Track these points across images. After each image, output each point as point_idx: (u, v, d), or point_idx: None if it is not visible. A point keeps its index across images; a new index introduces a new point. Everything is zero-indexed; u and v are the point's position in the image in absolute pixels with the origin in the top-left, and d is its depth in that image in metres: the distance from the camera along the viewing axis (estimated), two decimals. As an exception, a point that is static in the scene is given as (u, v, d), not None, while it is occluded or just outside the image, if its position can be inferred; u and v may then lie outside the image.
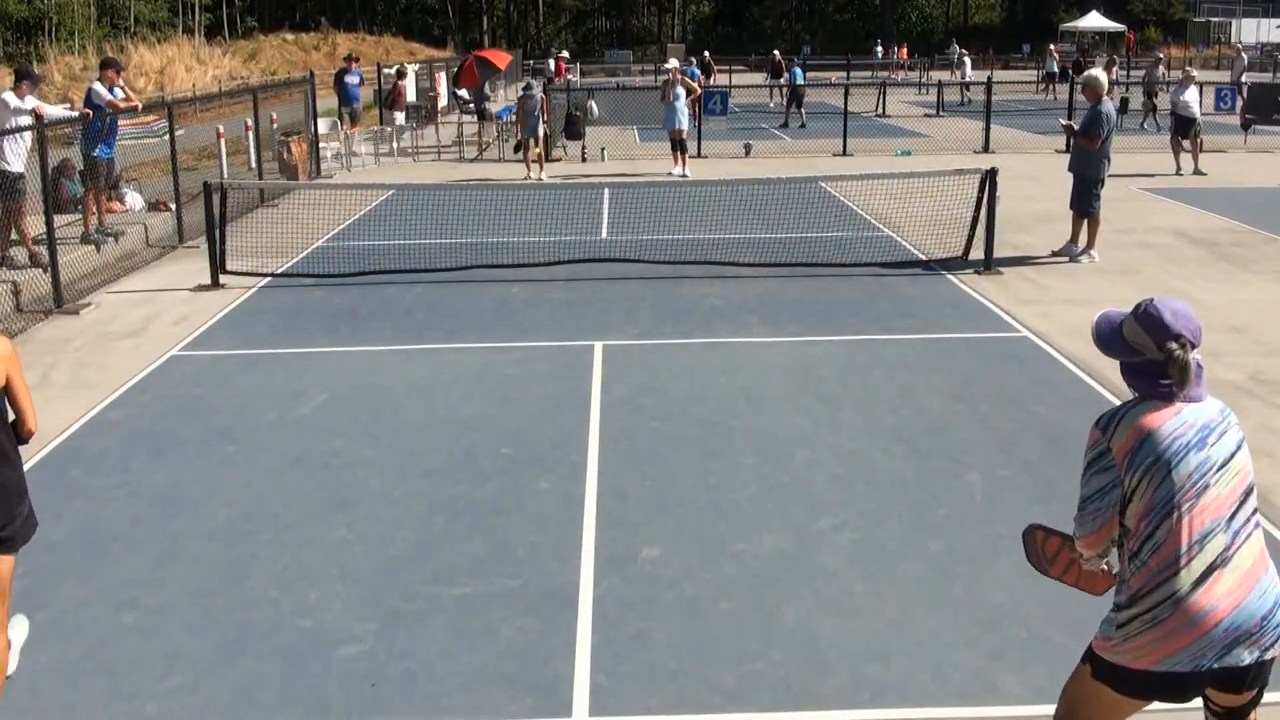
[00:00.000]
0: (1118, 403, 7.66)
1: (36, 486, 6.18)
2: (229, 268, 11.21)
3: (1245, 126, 22.84)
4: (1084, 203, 11.58)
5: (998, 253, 11.31)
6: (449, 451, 6.59)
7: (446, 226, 13.03)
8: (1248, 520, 2.91)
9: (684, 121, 18.47)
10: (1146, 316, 2.96)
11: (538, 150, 18.22)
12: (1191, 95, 18.23)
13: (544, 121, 18.54)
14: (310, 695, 4.20)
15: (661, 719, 4.06)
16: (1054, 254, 11.91)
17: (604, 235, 13.39)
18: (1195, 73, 19.04)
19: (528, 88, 18.46)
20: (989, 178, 11.21)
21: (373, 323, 9.44)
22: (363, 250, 12.36)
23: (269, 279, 11.17)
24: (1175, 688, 2.93)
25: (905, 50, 47.52)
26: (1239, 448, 2.95)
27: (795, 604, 4.81)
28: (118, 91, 12.55)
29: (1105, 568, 3.18)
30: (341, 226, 13.79)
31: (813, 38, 66.51)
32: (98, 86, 12.46)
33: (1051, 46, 44.89)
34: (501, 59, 23.84)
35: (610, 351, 8.55)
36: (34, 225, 11.14)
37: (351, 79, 22.08)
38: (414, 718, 4.07)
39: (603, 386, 7.72)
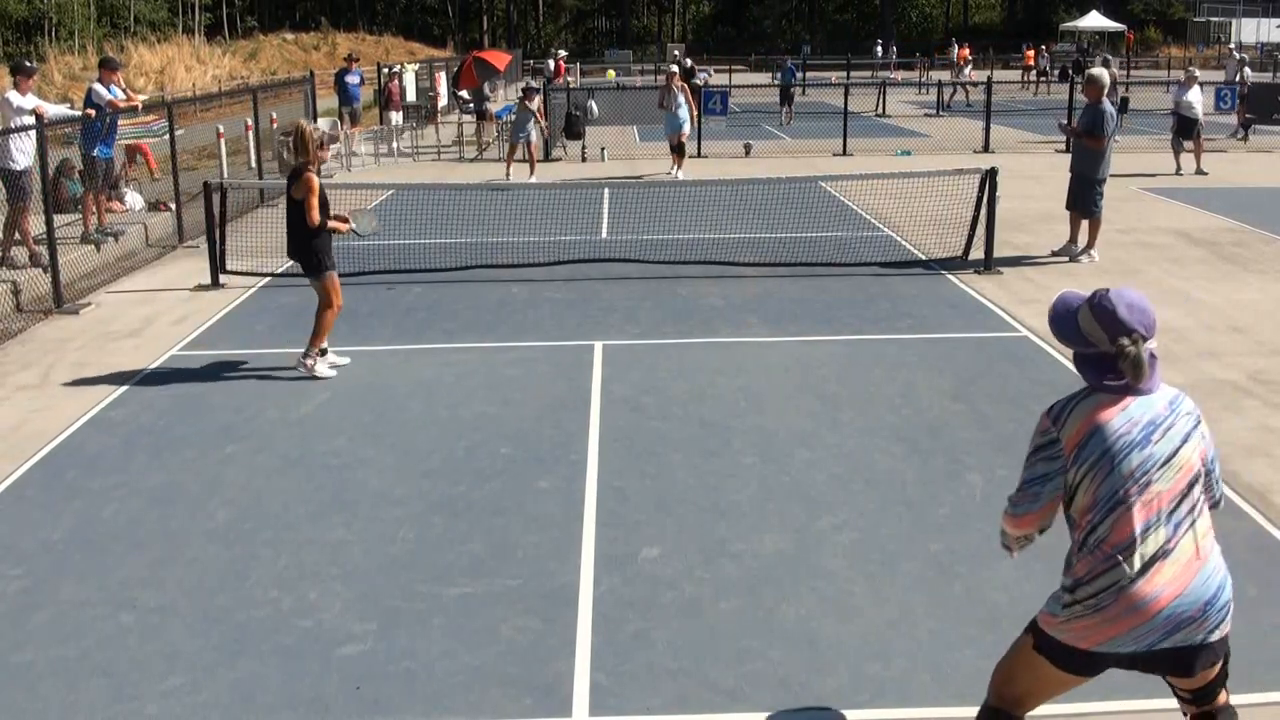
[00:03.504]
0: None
1: (36, 486, 6.20)
2: (229, 267, 11.22)
3: (1245, 126, 22.85)
4: (1086, 202, 11.58)
5: (998, 252, 11.31)
6: (449, 451, 6.59)
7: (446, 226, 13.03)
8: (1190, 510, 2.98)
9: (685, 127, 18.14)
10: (1101, 309, 2.99)
11: (527, 155, 18.13)
12: (1195, 96, 18.23)
13: (541, 125, 18.43)
14: (310, 695, 4.20)
15: (661, 719, 4.06)
16: (1054, 254, 11.92)
17: (604, 235, 13.39)
18: (1198, 73, 19.02)
19: (528, 91, 18.40)
20: (989, 178, 11.21)
21: (373, 323, 9.44)
22: (363, 250, 12.36)
23: (269, 279, 11.17)
24: (1118, 663, 3.03)
25: (968, 50, 44.44)
26: (1185, 441, 2.97)
27: (795, 604, 4.81)
28: (117, 91, 12.55)
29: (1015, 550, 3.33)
30: (341, 226, 13.78)
31: (813, 38, 66.47)
32: (98, 87, 12.47)
33: (1030, 51, 44.60)
34: (500, 60, 23.82)
35: (610, 351, 8.55)
36: (34, 225, 11.15)
37: (351, 79, 22.09)
38: (414, 718, 4.07)
39: (603, 386, 7.73)
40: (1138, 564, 2.92)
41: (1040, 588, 4.90)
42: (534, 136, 18.31)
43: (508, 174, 18.09)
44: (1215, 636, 3.00)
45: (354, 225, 8.21)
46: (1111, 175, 11.97)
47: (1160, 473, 2.93)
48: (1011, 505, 3.13)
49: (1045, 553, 5.28)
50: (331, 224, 7.88)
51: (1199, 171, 18.11)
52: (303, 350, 8.01)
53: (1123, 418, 2.95)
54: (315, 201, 7.69)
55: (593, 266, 11.30)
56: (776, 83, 30.24)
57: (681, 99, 18.01)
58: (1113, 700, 4.12)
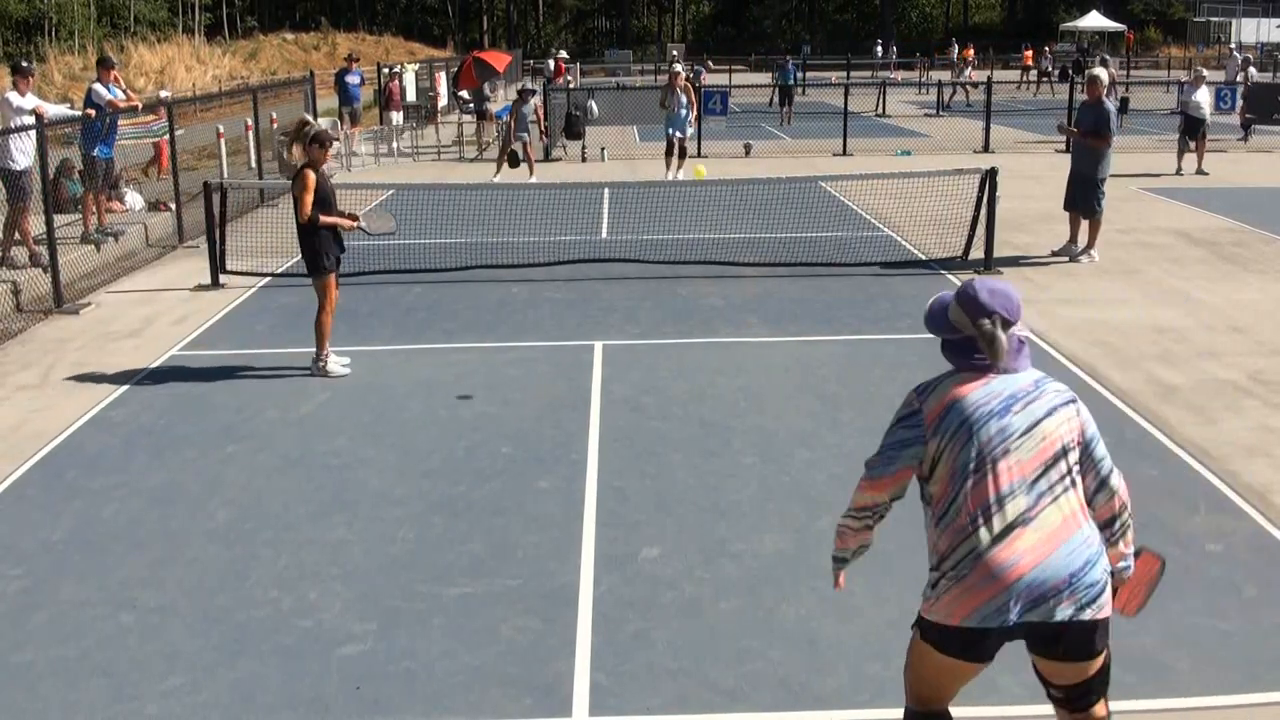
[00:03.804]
0: (1118, 404, 7.67)
1: (36, 486, 6.20)
2: (229, 267, 11.22)
3: (1245, 126, 22.85)
4: (1089, 202, 11.57)
5: (998, 252, 11.31)
6: (449, 451, 6.59)
7: (446, 226, 13.03)
8: (1056, 483, 3.01)
9: (687, 128, 17.90)
10: (965, 296, 3.12)
11: (525, 156, 18.09)
12: (1203, 96, 18.20)
13: (539, 124, 18.38)
14: (310, 695, 4.20)
15: (661, 719, 4.06)
16: (1054, 254, 11.91)
17: (604, 235, 13.39)
18: (1206, 73, 19.00)
19: (523, 93, 18.35)
20: (989, 178, 11.21)
21: (373, 323, 9.44)
22: (363, 250, 12.35)
23: (269, 279, 11.17)
24: (988, 641, 3.02)
25: (970, 49, 44.53)
26: (1048, 415, 3.03)
27: (795, 604, 4.81)
28: (116, 91, 12.55)
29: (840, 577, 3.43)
30: (341, 226, 13.79)
31: (813, 38, 66.47)
32: (98, 87, 12.46)
33: (1029, 51, 44.72)
34: (500, 60, 23.81)
35: (610, 351, 8.55)
36: (34, 225, 11.14)
37: (352, 79, 22.10)
38: (414, 718, 4.07)
39: (603, 386, 7.73)
40: (996, 528, 2.96)
41: (1040, 588, 4.91)
42: (529, 136, 18.26)
43: (497, 173, 18.05)
44: (1087, 615, 2.98)
45: (363, 224, 8.19)
46: (1111, 175, 11.97)
47: (1019, 442, 2.99)
48: (867, 469, 3.18)
49: (1045, 553, 5.28)
50: (333, 221, 7.85)
51: (1199, 171, 18.12)
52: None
53: (983, 390, 3.04)
54: (308, 199, 7.69)
55: (593, 266, 11.30)
56: (775, 82, 30.22)
57: (684, 99, 17.80)
58: (1112, 700, 4.12)
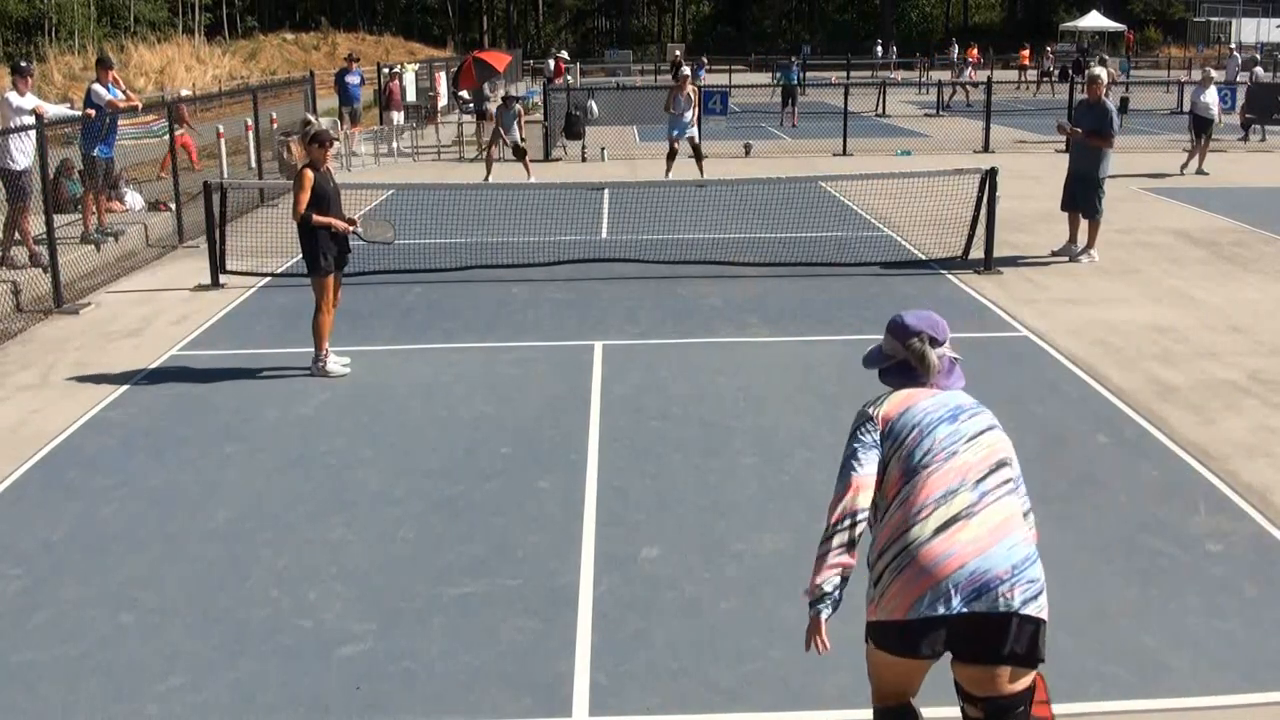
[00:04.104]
0: (1118, 404, 7.67)
1: (36, 486, 6.20)
2: (229, 268, 11.22)
3: (1245, 126, 22.84)
4: (1089, 202, 11.56)
5: (998, 252, 11.31)
6: (449, 451, 6.59)
7: (446, 226, 13.03)
8: (999, 486, 3.11)
9: (691, 132, 17.54)
10: (893, 325, 3.41)
11: (518, 156, 18.07)
12: (1211, 96, 18.18)
13: (519, 129, 18.32)
14: (310, 695, 4.20)
15: (661, 719, 4.06)
16: (1054, 254, 11.91)
17: (604, 235, 13.39)
18: (1215, 74, 18.99)
19: (507, 100, 18.30)
20: (989, 177, 11.21)
21: (373, 323, 9.44)
22: (363, 250, 12.35)
23: (269, 279, 11.17)
24: (933, 635, 3.00)
25: (974, 50, 44.40)
26: (990, 428, 3.21)
27: (795, 604, 4.79)
28: (116, 91, 12.54)
29: (820, 632, 3.16)
30: (341, 226, 13.79)
31: (813, 38, 66.46)
32: (97, 87, 12.46)
33: (1025, 51, 44.79)
34: (500, 60, 23.81)
35: (610, 351, 8.55)
36: (34, 225, 11.15)
37: (352, 79, 22.09)
38: (414, 718, 4.07)
39: (603, 386, 7.73)
40: (939, 520, 3.03)
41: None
42: (518, 137, 18.19)
43: (488, 175, 18.03)
44: (1030, 610, 2.98)
45: (359, 229, 8.18)
46: (1116, 175, 11.96)
47: (967, 446, 3.14)
48: (838, 483, 3.19)
49: (1044, 555, 5.28)
50: (326, 221, 7.83)
51: (1199, 171, 18.11)
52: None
53: (933, 400, 3.25)
54: (303, 198, 7.72)
55: (593, 266, 11.30)
56: (777, 83, 30.21)
57: (686, 103, 17.43)
58: (1112, 700, 4.13)
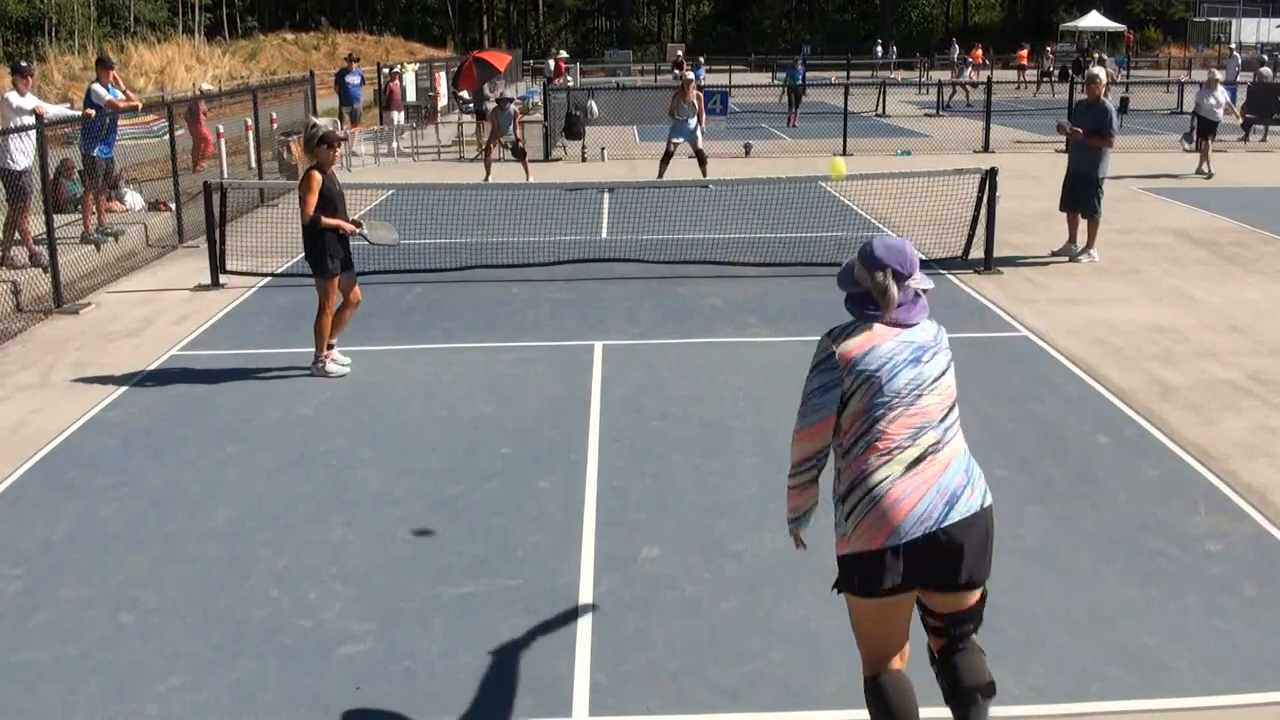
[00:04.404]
0: (1118, 404, 7.66)
1: (36, 486, 6.20)
2: (229, 268, 11.22)
3: (1245, 126, 22.85)
4: (1088, 202, 11.56)
5: (998, 252, 11.31)
6: (449, 451, 6.59)
7: (446, 226, 13.03)
8: (951, 426, 3.38)
9: (698, 137, 17.13)
10: (863, 253, 3.44)
11: (517, 156, 18.05)
12: (1217, 99, 18.14)
13: (516, 129, 18.29)
14: (310, 695, 4.20)
15: (661, 719, 4.06)
16: (1054, 254, 11.92)
17: (604, 235, 13.39)
18: (1220, 75, 18.97)
19: (502, 101, 18.26)
20: (989, 177, 11.21)
21: (373, 323, 9.43)
22: (363, 250, 12.34)
23: (269, 279, 11.17)
24: (912, 558, 3.25)
25: (979, 51, 44.23)
26: (947, 369, 3.41)
27: (795, 604, 4.81)
28: (116, 91, 12.55)
29: (799, 536, 3.68)
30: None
31: (813, 38, 66.46)
32: (97, 87, 12.46)
33: (1023, 51, 44.85)
34: (500, 60, 23.83)
35: (610, 351, 8.55)
36: (34, 225, 11.15)
37: (352, 79, 22.10)
38: (414, 718, 4.07)
39: (603, 386, 7.73)
40: (910, 458, 3.28)
41: (1039, 588, 4.92)
42: (514, 138, 18.15)
43: (487, 175, 18.02)
44: (988, 501, 3.37)
45: (364, 230, 8.17)
46: (1111, 176, 11.96)
47: (933, 387, 3.34)
48: (799, 420, 3.41)
49: (1044, 555, 5.29)
50: (334, 223, 7.83)
51: (1198, 172, 18.10)
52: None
53: (896, 340, 3.35)
54: (310, 199, 7.70)
55: (593, 266, 11.30)
56: (780, 83, 30.16)
57: (694, 108, 17.09)
58: (1112, 700, 4.13)
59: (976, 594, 3.44)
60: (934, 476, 3.27)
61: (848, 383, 3.30)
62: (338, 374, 7.95)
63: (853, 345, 3.34)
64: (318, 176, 7.73)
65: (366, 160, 20.88)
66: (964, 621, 3.45)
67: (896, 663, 3.47)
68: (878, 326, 3.37)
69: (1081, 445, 6.59)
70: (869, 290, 3.40)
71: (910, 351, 3.33)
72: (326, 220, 7.77)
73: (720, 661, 4.38)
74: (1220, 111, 18.23)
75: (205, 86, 22.87)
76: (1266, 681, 4.22)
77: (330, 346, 8.11)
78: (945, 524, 3.25)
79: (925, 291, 3.46)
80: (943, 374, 3.37)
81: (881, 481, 3.25)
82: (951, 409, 3.39)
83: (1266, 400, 7.35)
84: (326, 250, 7.83)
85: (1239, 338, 8.79)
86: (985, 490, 3.40)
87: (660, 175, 16.97)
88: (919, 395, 3.30)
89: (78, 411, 7.36)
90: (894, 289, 3.35)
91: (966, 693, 3.45)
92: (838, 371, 3.33)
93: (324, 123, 8.19)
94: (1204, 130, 18.26)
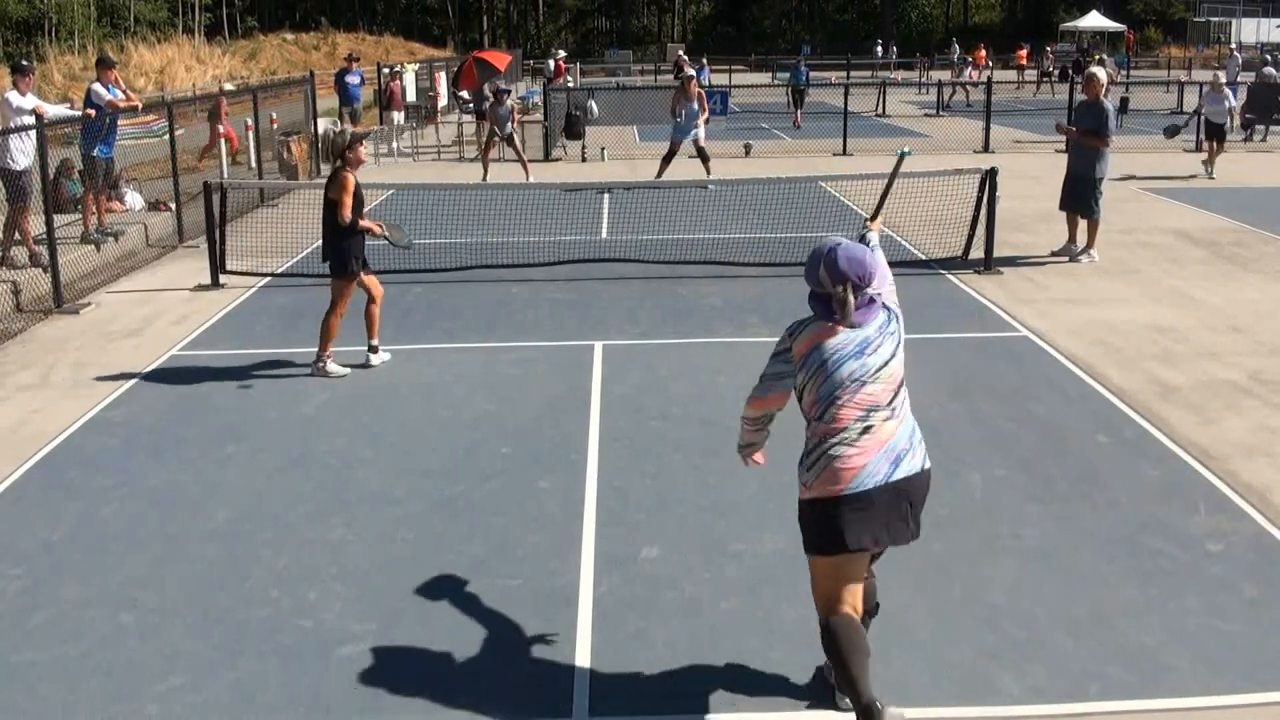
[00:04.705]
0: (1118, 404, 7.67)
1: (36, 486, 6.21)
2: (229, 268, 11.22)
3: (1245, 126, 22.84)
4: (1086, 203, 11.57)
5: (998, 252, 11.31)
6: (449, 451, 6.59)
7: (446, 226, 13.03)
8: (899, 405, 3.82)
9: (700, 134, 17.06)
10: (829, 261, 3.79)
11: (515, 156, 18.05)
12: (1223, 103, 18.05)
13: (513, 127, 18.29)
14: (310, 695, 4.20)
15: (661, 719, 4.06)
16: (1054, 254, 11.91)
17: (604, 235, 13.39)
18: (1223, 77, 18.90)
19: (498, 95, 18.25)
20: (989, 178, 11.21)
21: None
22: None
23: (269, 279, 11.17)
24: (867, 509, 3.72)
25: (983, 52, 44.15)
26: (893, 356, 3.80)
27: (795, 604, 4.80)
28: (116, 91, 12.54)
29: (755, 455, 4.24)
30: (341, 226, 13.78)
31: (813, 38, 66.46)
32: (97, 87, 12.46)
33: (1023, 51, 44.91)
34: (501, 60, 23.81)
35: (610, 351, 8.55)
36: (34, 225, 11.15)
37: (352, 79, 22.09)
38: (414, 718, 4.08)
39: (603, 386, 7.73)
40: (857, 431, 3.75)
41: (1039, 588, 4.92)
42: (515, 138, 18.16)
43: (485, 176, 18.02)
44: (927, 464, 3.86)
45: (385, 232, 8.21)
46: (1111, 177, 11.96)
47: (874, 377, 3.75)
48: (754, 392, 4.01)
49: (1044, 555, 5.29)
50: (367, 224, 7.93)
51: (1197, 168, 18.09)
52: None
53: (841, 337, 3.77)
54: (348, 200, 7.77)
55: (593, 266, 11.30)
56: (782, 83, 30.11)
57: (696, 107, 17.00)
58: (1112, 700, 4.13)
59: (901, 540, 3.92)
60: (883, 442, 3.75)
61: (800, 378, 3.81)
62: (338, 374, 7.96)
63: (803, 343, 3.81)
64: (352, 178, 7.83)
65: (366, 160, 20.85)
66: (875, 559, 4.04)
67: (848, 609, 3.83)
68: (829, 324, 3.78)
69: (1081, 445, 6.59)
70: (829, 295, 3.78)
71: (855, 346, 3.75)
72: (361, 222, 7.86)
73: (720, 661, 4.38)
74: (1226, 117, 18.17)
75: (228, 86, 23.27)
76: (1266, 681, 4.22)
77: (374, 349, 8.21)
78: (892, 479, 3.73)
79: (876, 298, 3.81)
80: (886, 363, 3.76)
81: (836, 445, 3.74)
82: (898, 392, 3.80)
83: (1266, 400, 7.35)
84: (351, 251, 7.89)
85: (1239, 338, 8.79)
86: (925, 455, 3.86)
87: (659, 174, 16.91)
88: (863, 384, 3.73)
89: (78, 411, 7.36)
90: (851, 301, 3.73)
91: (867, 601, 4.05)
92: (790, 366, 3.85)
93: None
94: (1210, 133, 18.20)
